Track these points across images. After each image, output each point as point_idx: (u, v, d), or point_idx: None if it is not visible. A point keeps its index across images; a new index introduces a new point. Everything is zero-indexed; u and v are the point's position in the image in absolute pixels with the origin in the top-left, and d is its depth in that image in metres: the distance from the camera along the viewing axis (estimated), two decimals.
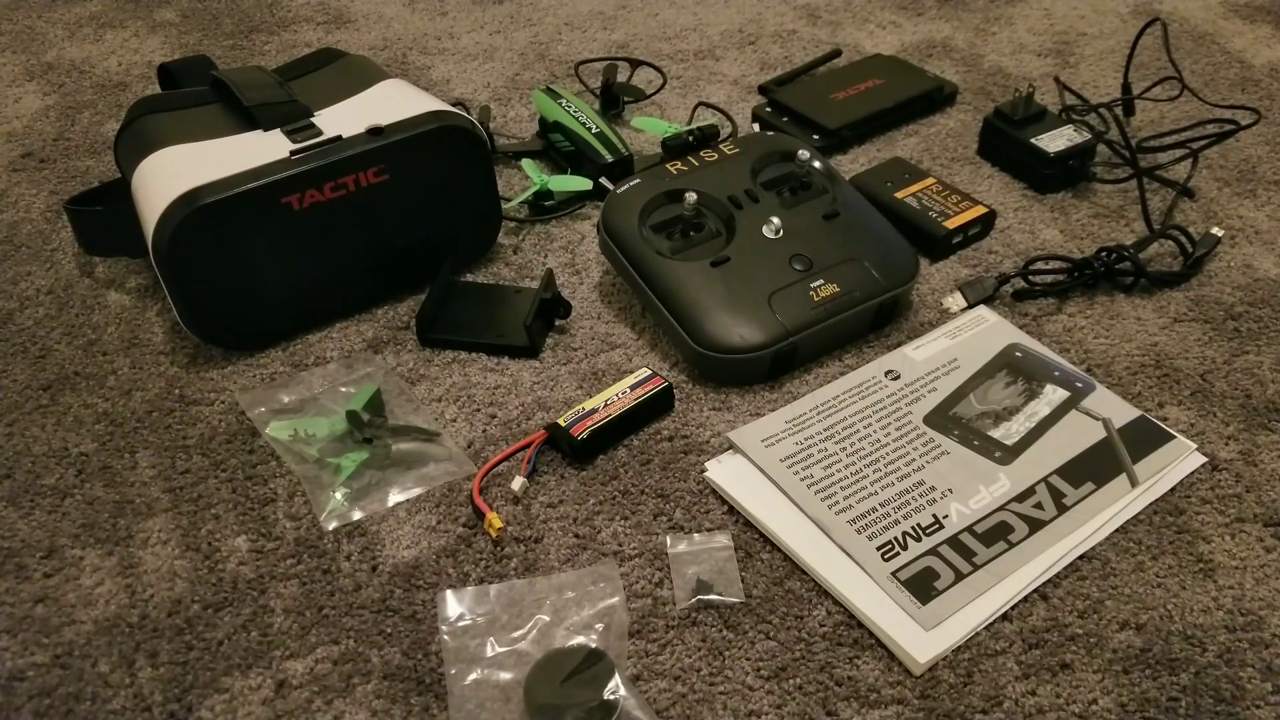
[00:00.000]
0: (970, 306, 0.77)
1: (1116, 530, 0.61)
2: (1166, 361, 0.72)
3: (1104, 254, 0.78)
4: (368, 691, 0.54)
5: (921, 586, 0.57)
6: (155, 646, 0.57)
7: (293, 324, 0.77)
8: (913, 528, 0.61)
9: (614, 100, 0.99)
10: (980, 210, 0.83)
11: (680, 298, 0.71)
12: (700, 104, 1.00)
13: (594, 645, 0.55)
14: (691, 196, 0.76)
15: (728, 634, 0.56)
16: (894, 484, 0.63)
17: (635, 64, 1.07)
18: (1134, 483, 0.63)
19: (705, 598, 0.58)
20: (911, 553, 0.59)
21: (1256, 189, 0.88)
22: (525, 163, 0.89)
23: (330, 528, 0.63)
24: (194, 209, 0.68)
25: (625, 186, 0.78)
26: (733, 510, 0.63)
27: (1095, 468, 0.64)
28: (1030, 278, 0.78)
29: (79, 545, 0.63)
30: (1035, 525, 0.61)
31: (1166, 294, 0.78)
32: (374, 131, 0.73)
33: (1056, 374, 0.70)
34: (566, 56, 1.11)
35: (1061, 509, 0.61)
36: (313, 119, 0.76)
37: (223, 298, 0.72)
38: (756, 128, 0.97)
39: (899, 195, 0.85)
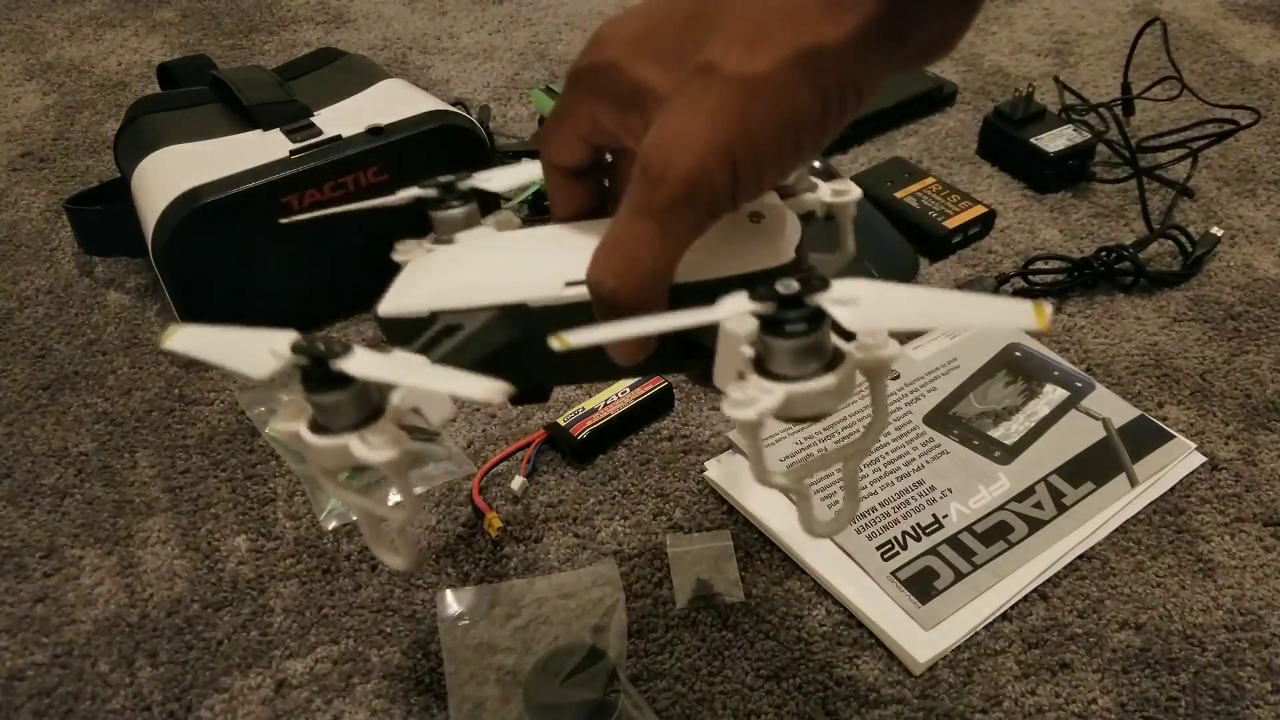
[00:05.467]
0: None
1: (1116, 530, 0.61)
2: (1166, 361, 0.72)
3: (1103, 254, 0.78)
4: (367, 691, 0.54)
5: (921, 586, 0.57)
6: (155, 646, 0.57)
7: (293, 324, 0.76)
8: (912, 527, 0.61)
9: None
10: (980, 210, 0.83)
11: None
12: None
13: (594, 645, 0.55)
14: None
15: (727, 634, 0.56)
16: (893, 484, 0.63)
17: None
18: (1133, 482, 0.63)
19: (705, 597, 0.58)
20: (911, 552, 0.59)
21: (1256, 189, 0.88)
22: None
23: (330, 527, 0.63)
24: (194, 208, 0.68)
25: None
26: (733, 510, 0.63)
27: (1095, 467, 0.64)
28: (1030, 277, 0.78)
29: (78, 545, 0.63)
30: (1035, 525, 0.61)
31: (1166, 294, 0.78)
32: (374, 131, 0.73)
33: (1056, 374, 0.70)
34: (566, 56, 1.11)
35: (1061, 508, 0.61)
36: (312, 118, 0.76)
37: (222, 297, 0.72)
38: None
39: (899, 195, 0.85)
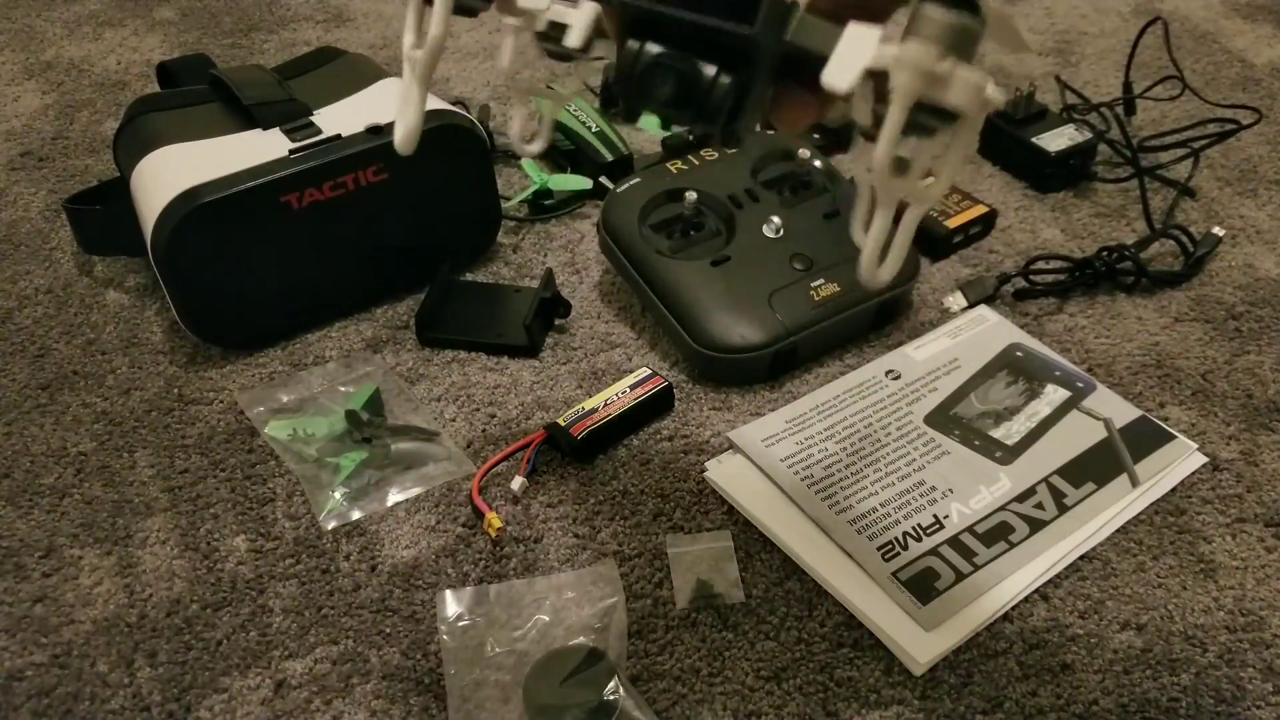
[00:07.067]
0: (971, 306, 0.77)
1: (1117, 530, 0.61)
2: (1167, 361, 0.72)
3: (1105, 253, 0.78)
4: (367, 692, 0.54)
5: (922, 587, 0.57)
6: (154, 646, 0.57)
7: (292, 323, 0.77)
8: (913, 528, 0.60)
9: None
10: (981, 209, 0.83)
11: (680, 297, 0.71)
12: None
13: (594, 645, 0.54)
14: (692, 196, 0.75)
15: (727, 634, 0.56)
16: (894, 484, 0.63)
17: None
18: (1135, 483, 0.63)
19: (705, 597, 0.58)
20: (912, 553, 0.59)
21: (1258, 188, 0.88)
22: (525, 162, 0.89)
23: (329, 527, 0.63)
24: (193, 208, 0.68)
25: (625, 185, 0.78)
26: (733, 510, 0.63)
27: (1096, 468, 0.64)
28: (1031, 277, 0.78)
29: (78, 545, 0.62)
30: (1036, 525, 0.60)
31: (1167, 294, 0.78)
32: (373, 130, 0.73)
33: (1057, 374, 0.70)
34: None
35: (1062, 509, 0.61)
36: (312, 118, 0.76)
37: (221, 297, 0.72)
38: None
39: None
